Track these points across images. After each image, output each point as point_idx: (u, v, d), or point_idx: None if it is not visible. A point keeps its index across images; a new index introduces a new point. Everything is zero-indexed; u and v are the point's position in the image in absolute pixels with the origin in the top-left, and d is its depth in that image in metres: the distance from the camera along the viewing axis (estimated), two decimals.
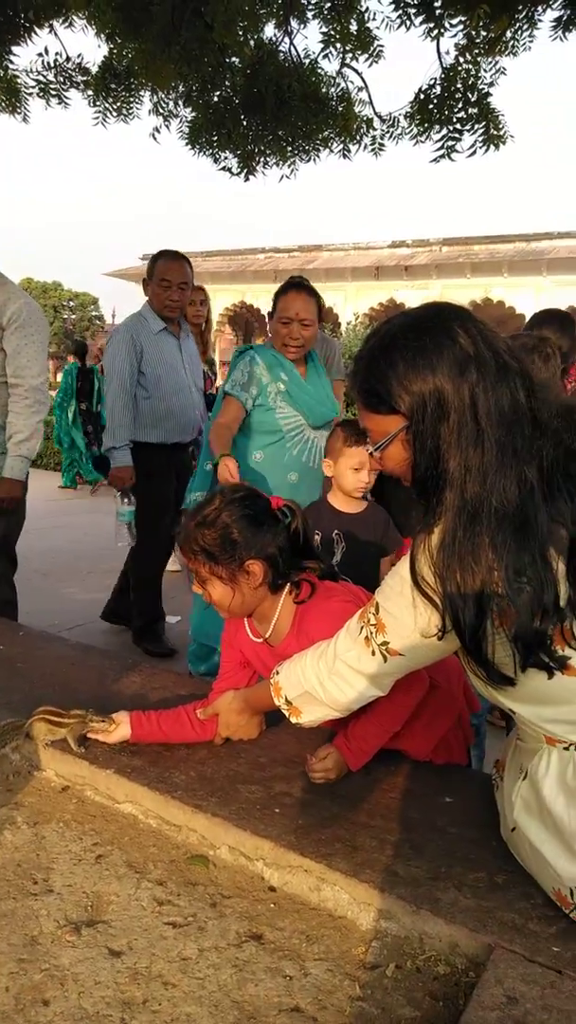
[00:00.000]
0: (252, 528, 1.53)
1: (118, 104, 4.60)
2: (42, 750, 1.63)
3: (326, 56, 4.33)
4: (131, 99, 4.63)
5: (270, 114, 4.38)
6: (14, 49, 4.32)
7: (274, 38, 4.46)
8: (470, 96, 4.03)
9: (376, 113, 4.54)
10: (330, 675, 1.32)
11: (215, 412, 2.72)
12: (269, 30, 4.47)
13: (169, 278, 3.18)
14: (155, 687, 1.99)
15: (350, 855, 1.28)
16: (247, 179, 4.70)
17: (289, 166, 4.70)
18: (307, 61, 4.48)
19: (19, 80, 4.54)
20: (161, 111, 4.57)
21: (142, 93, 4.62)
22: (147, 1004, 1.04)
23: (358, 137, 4.58)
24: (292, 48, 4.44)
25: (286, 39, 4.41)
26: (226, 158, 4.75)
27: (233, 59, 4.31)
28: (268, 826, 1.36)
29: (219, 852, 1.37)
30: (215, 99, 4.56)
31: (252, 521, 1.54)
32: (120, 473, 3.17)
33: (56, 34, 4.40)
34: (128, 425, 3.16)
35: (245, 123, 4.56)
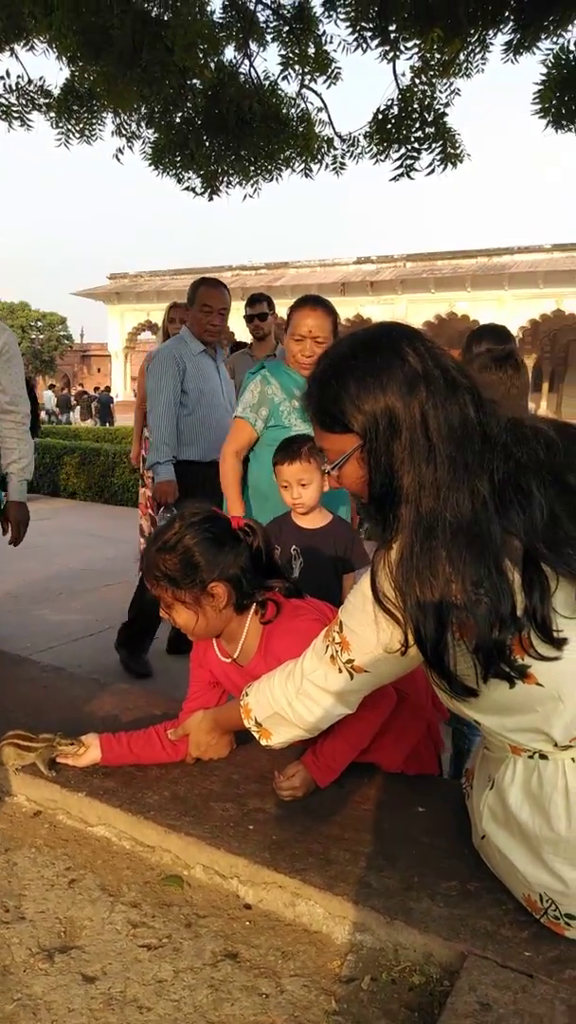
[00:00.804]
0: (213, 550, 1.53)
1: (80, 125, 4.62)
2: (12, 775, 1.61)
3: (285, 78, 4.40)
4: (93, 120, 4.65)
5: (232, 134, 4.43)
6: None
7: (234, 60, 4.53)
8: (427, 116, 4.12)
9: (336, 133, 4.62)
10: (298, 695, 1.33)
11: None
12: (229, 53, 4.54)
13: (211, 304, 3.32)
14: (128, 707, 1.98)
15: (324, 869, 1.29)
16: (211, 199, 4.74)
17: (252, 185, 4.76)
18: (267, 83, 4.54)
19: None
20: (124, 132, 4.60)
21: (104, 115, 4.65)
22: None
23: (319, 156, 4.66)
24: (252, 70, 4.51)
25: (246, 61, 4.48)
26: (190, 178, 4.79)
27: (194, 81, 4.35)
28: (242, 843, 1.36)
29: (194, 871, 1.37)
30: (177, 120, 4.60)
31: (213, 543, 1.54)
32: (165, 488, 3.25)
33: (17, 57, 4.42)
34: (172, 442, 3.26)
35: (208, 143, 4.61)
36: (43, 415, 25.50)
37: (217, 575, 1.52)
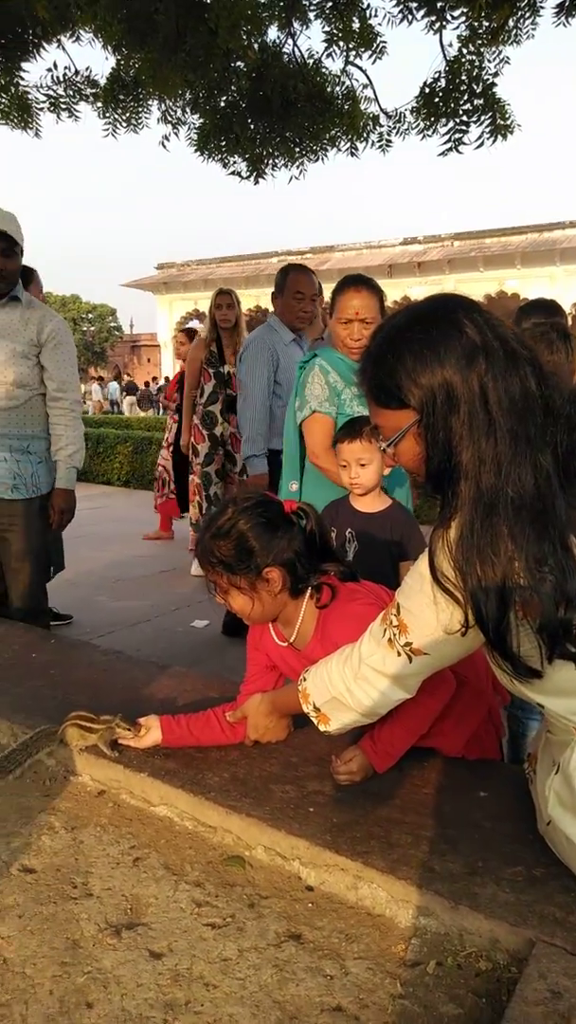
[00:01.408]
0: (267, 535, 1.53)
1: (127, 114, 4.65)
2: (77, 755, 1.64)
3: (330, 55, 4.34)
4: (139, 109, 4.68)
5: (277, 116, 4.40)
6: (24, 65, 4.37)
7: (278, 40, 4.49)
8: (475, 87, 4.01)
9: (382, 109, 4.55)
10: (356, 680, 1.32)
11: (288, 433, 2.63)
12: (272, 32, 4.50)
13: (303, 290, 3.29)
14: (185, 690, 2.00)
15: (386, 852, 1.28)
16: (256, 182, 4.72)
17: (298, 167, 4.72)
18: (311, 61, 4.50)
19: (30, 96, 4.60)
20: (169, 119, 4.62)
21: (150, 102, 4.67)
22: (189, 1005, 1.05)
23: (365, 134, 4.59)
24: (296, 49, 4.46)
25: (289, 40, 4.43)
26: (235, 162, 4.78)
27: (238, 63, 4.33)
28: (303, 825, 1.36)
29: (255, 853, 1.38)
30: (222, 104, 4.59)
31: (267, 527, 1.53)
32: (258, 480, 3.26)
33: (64, 48, 4.47)
34: (266, 434, 3.27)
35: (252, 126, 4.58)
36: (106, 405, 25.94)
37: (271, 560, 1.52)
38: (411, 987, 1.07)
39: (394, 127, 4.50)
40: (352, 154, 4.60)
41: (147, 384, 29.22)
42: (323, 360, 2.49)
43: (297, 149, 4.61)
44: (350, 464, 2.22)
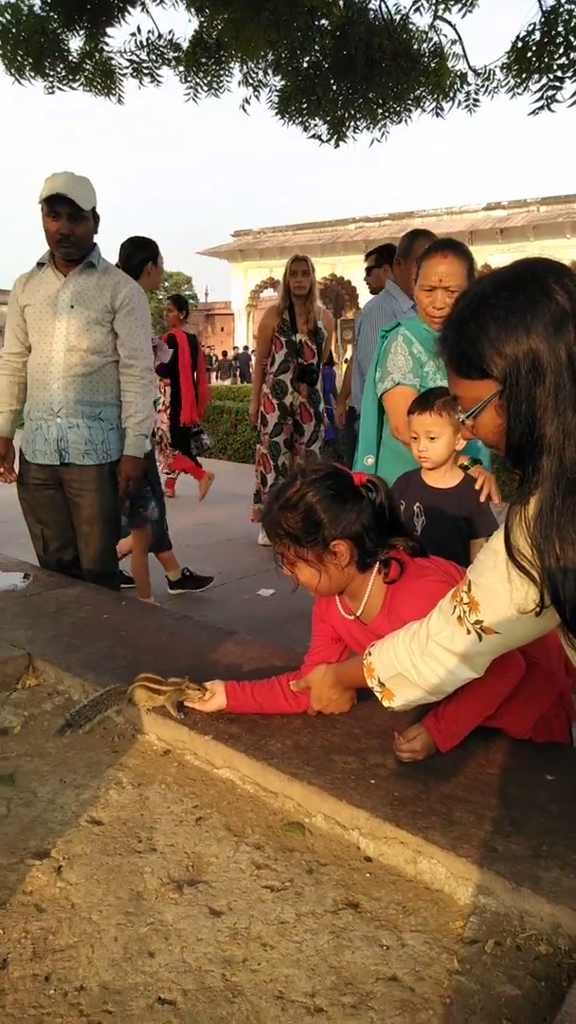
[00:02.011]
0: (336, 507, 1.50)
1: (208, 78, 4.62)
2: (144, 714, 1.69)
3: (417, 10, 4.19)
4: (221, 72, 4.63)
5: (360, 76, 4.28)
6: (108, 31, 4.38)
7: None
8: (572, 40, 3.79)
9: (470, 67, 4.37)
10: (423, 656, 1.30)
11: (367, 406, 2.56)
12: None
13: None
14: (250, 657, 2.02)
15: (447, 829, 1.27)
16: (337, 145, 4.62)
17: (380, 129, 4.59)
18: (398, 17, 4.34)
19: (113, 61, 4.61)
20: (251, 81, 4.55)
21: (232, 65, 4.61)
22: (247, 963, 1.07)
23: (451, 94, 4.41)
24: (383, 5, 4.31)
25: None
26: (316, 125, 4.69)
27: (322, 21, 4.22)
28: (364, 797, 1.36)
29: (315, 820, 1.39)
30: (304, 65, 4.49)
31: (335, 500, 1.51)
32: None
33: (148, 11, 4.44)
34: None
35: (335, 88, 4.48)
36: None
37: (339, 532, 1.50)
38: (468, 964, 1.07)
39: (482, 85, 4.31)
40: (437, 115, 4.44)
41: (225, 354, 29.34)
42: (406, 329, 2.40)
43: (380, 110, 4.48)
44: (420, 436, 2.16)
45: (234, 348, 31.57)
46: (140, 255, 3.67)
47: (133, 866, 1.27)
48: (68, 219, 2.59)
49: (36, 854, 1.29)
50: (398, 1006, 1.00)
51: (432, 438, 2.14)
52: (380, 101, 4.43)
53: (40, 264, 2.78)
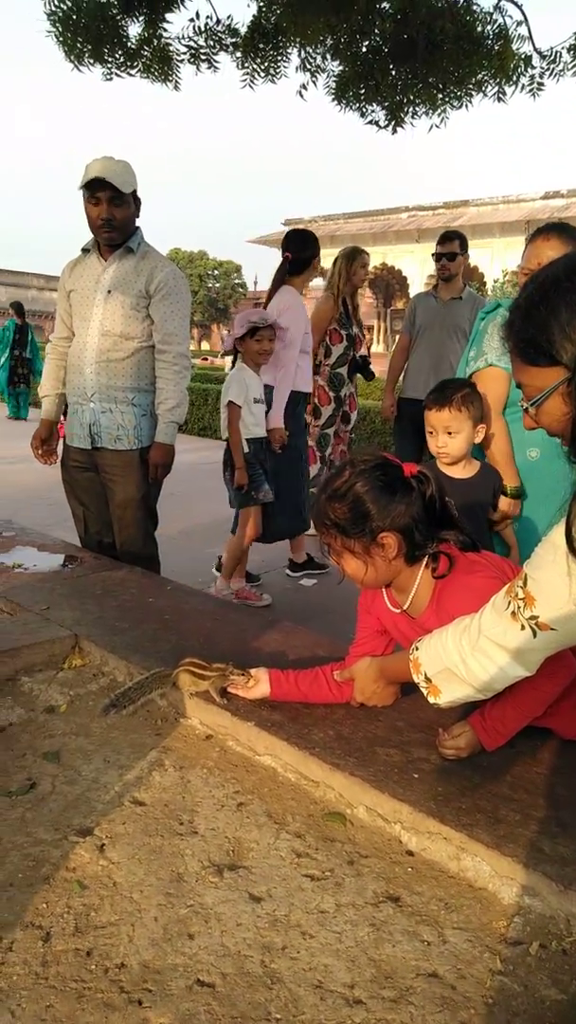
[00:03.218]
0: (385, 499, 1.48)
1: (266, 64, 4.58)
2: (188, 699, 1.70)
3: None
4: (278, 57, 4.59)
5: (421, 60, 4.20)
6: (167, 16, 4.38)
7: None
8: None
9: (536, 49, 4.24)
10: (473, 651, 1.27)
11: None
12: None
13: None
14: (293, 645, 2.01)
15: (492, 827, 1.24)
16: (395, 132, 4.54)
17: (439, 115, 4.50)
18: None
19: (171, 48, 4.61)
20: (308, 67, 4.51)
21: (290, 50, 4.56)
22: (286, 951, 1.07)
23: (515, 77, 4.29)
24: None
25: None
26: (373, 111, 4.62)
27: (383, 4, 4.15)
28: (406, 790, 1.35)
29: (356, 811, 1.38)
30: (363, 49, 4.43)
31: (384, 491, 1.49)
32: None
33: None
34: None
35: (394, 72, 4.40)
36: None
37: (387, 524, 1.48)
38: (511, 965, 1.04)
39: (547, 68, 4.19)
40: (499, 99, 4.33)
41: None
42: (506, 311, 2.36)
43: (440, 95, 4.39)
44: (437, 432, 2.13)
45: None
46: (310, 250, 3.77)
47: (174, 848, 1.28)
48: (109, 204, 2.59)
49: (79, 831, 1.31)
50: (439, 1003, 0.98)
51: (450, 433, 2.11)
52: (440, 86, 4.34)
53: (85, 250, 2.80)
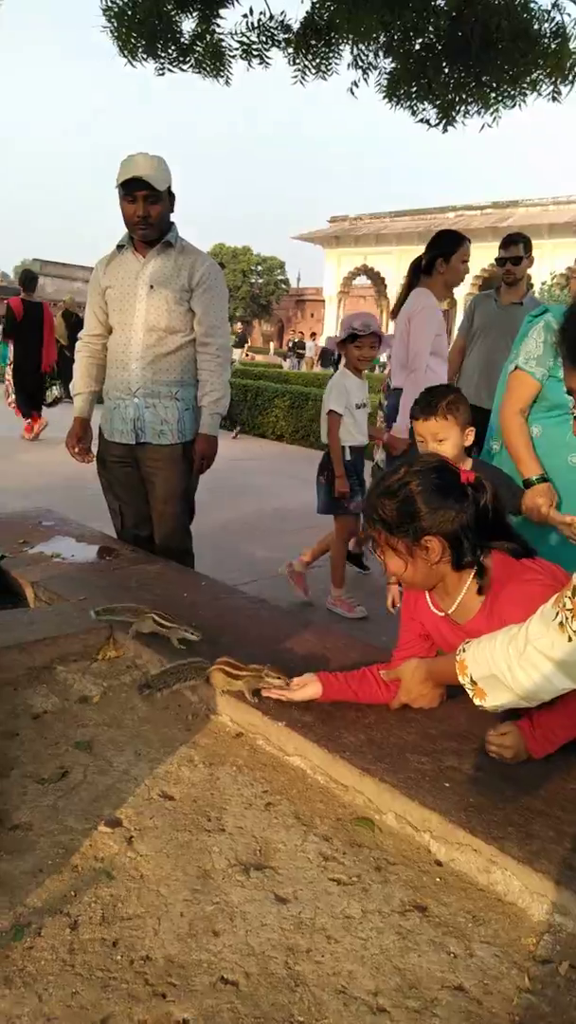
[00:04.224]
0: (435, 502, 1.47)
1: (317, 60, 4.55)
2: (219, 696, 1.70)
3: None
4: (330, 54, 4.56)
5: (474, 58, 4.13)
6: (221, 12, 4.38)
7: None
8: None
9: None
10: (519, 660, 1.25)
11: (500, 388, 2.47)
12: None
13: None
14: (327, 647, 2.01)
15: (524, 842, 1.22)
16: (445, 130, 4.49)
17: (491, 114, 4.43)
18: None
19: (224, 43, 4.61)
20: (360, 64, 4.46)
21: (342, 47, 4.53)
22: (310, 954, 1.06)
23: (571, 77, 4.21)
24: None
25: None
26: (424, 109, 4.56)
27: (438, 2, 4.09)
28: (437, 799, 1.33)
29: (385, 818, 1.36)
30: (417, 47, 4.37)
31: (436, 495, 1.48)
32: None
33: None
34: None
35: (447, 70, 4.34)
36: (303, 367, 26.29)
37: (434, 528, 1.47)
38: (540, 984, 1.03)
39: None
40: (554, 99, 4.24)
41: (314, 335, 29.23)
42: (551, 317, 2.29)
43: (493, 94, 4.32)
44: (427, 440, 2.14)
45: (312, 336, 31.31)
46: (434, 249, 3.61)
47: (202, 844, 1.28)
48: (145, 201, 2.60)
49: (109, 822, 1.32)
50: (463, 1016, 0.97)
51: (440, 440, 2.12)
52: (494, 84, 4.27)
53: (120, 246, 2.80)
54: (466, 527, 1.48)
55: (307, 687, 1.62)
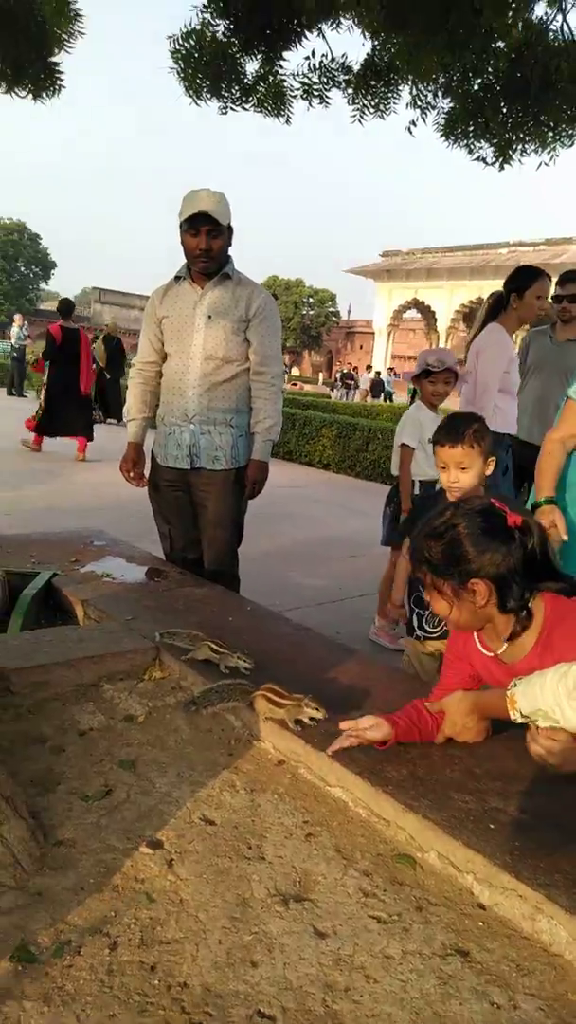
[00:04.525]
0: (482, 545, 1.46)
1: (376, 100, 4.64)
2: (262, 722, 1.70)
3: None
4: (389, 94, 4.65)
5: (533, 99, 4.17)
6: (284, 54, 4.52)
7: (545, 16, 4.23)
8: None
9: None
10: (569, 698, 1.23)
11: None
12: (540, 8, 4.25)
13: None
14: (370, 678, 1.99)
15: (571, 890, 1.18)
16: (502, 168, 4.52)
17: (549, 152, 4.44)
18: None
19: (285, 84, 4.74)
20: (419, 104, 4.54)
21: (401, 87, 4.62)
22: (348, 993, 1.04)
23: None
24: (565, 25, 4.18)
25: (559, 16, 4.16)
26: (481, 148, 4.61)
27: (499, 43, 4.15)
28: (481, 840, 1.30)
29: (427, 856, 1.34)
30: (475, 87, 4.43)
31: (483, 537, 1.47)
32: None
33: (324, 36, 4.54)
34: None
35: (505, 110, 4.38)
36: (356, 397, 26.33)
37: (481, 571, 1.45)
38: None
39: None
40: None
41: (379, 373, 29.27)
42: None
43: (551, 133, 4.34)
44: (449, 467, 2.14)
45: (390, 370, 31.38)
46: (512, 283, 3.59)
47: (242, 872, 1.28)
48: (207, 235, 2.68)
49: (150, 843, 1.32)
50: None
51: (463, 468, 2.12)
52: (552, 124, 4.30)
53: (178, 277, 2.89)
54: (513, 570, 1.46)
55: (380, 727, 1.54)
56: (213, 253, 2.73)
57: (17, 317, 18.01)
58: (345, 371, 31.50)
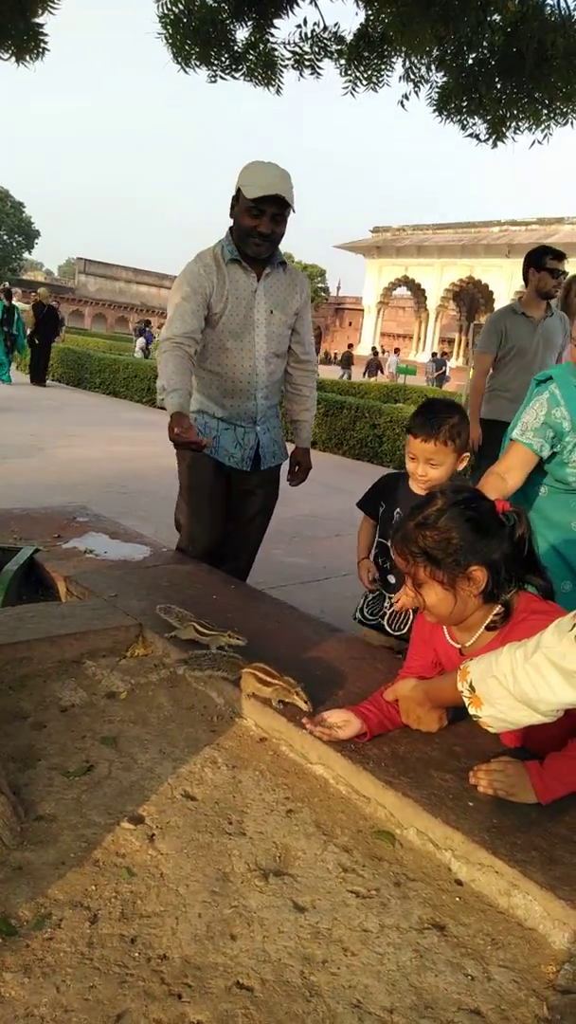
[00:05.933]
0: (477, 531, 1.45)
1: (369, 72, 4.57)
2: (245, 699, 1.71)
3: None
4: (382, 66, 4.57)
5: (528, 75, 4.11)
6: (275, 22, 4.43)
7: None
8: None
9: None
10: (525, 663, 1.21)
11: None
12: None
13: None
14: (352, 656, 2.00)
15: (547, 867, 1.21)
16: (495, 146, 4.47)
17: (542, 130, 4.40)
18: None
19: (276, 53, 4.65)
20: (412, 77, 4.47)
21: (394, 60, 4.54)
22: (326, 965, 1.06)
23: None
24: (561, 0, 4.12)
25: None
26: (474, 124, 4.55)
27: (494, 17, 4.09)
28: (460, 818, 1.32)
29: (406, 833, 1.36)
30: (470, 62, 4.37)
31: (481, 524, 1.46)
32: None
33: (316, 4, 4.45)
34: None
35: (499, 86, 4.33)
36: (380, 376, 25.92)
37: (479, 559, 1.45)
38: (559, 1014, 1.01)
39: None
40: None
41: (375, 351, 28.99)
42: (558, 385, 2.12)
43: (545, 111, 4.29)
44: (419, 460, 2.10)
45: (396, 351, 31.07)
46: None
47: (222, 847, 1.29)
48: (272, 219, 2.44)
49: (132, 819, 1.33)
50: None
51: (434, 464, 2.08)
52: (546, 101, 4.25)
53: (234, 260, 2.54)
54: (505, 556, 1.46)
55: (349, 725, 1.53)
56: (274, 237, 2.49)
57: None
58: (346, 353, 30.92)
